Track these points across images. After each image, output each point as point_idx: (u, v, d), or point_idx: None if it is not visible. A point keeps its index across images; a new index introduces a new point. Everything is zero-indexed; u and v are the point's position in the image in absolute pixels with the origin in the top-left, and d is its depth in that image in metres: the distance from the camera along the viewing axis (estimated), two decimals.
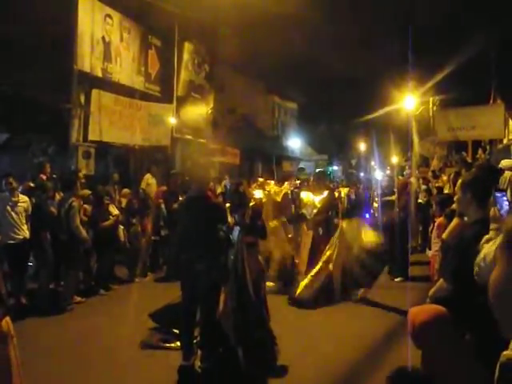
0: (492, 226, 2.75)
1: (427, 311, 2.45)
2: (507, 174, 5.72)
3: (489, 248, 2.57)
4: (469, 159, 15.81)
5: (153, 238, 10.24)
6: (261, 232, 5.65)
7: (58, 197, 8.73)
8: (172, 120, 15.84)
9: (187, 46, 16.57)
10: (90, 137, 12.66)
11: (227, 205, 6.20)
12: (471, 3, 17.56)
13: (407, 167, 20.02)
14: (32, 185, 9.61)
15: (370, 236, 7.97)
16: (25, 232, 7.81)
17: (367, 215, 14.51)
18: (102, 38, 13.11)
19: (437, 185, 12.93)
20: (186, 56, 16.45)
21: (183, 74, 16.48)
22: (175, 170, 12.77)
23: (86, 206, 8.98)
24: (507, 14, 14.70)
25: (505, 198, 2.75)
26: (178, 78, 16.19)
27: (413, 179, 12.25)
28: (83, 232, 8.02)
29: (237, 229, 5.52)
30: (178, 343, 5.42)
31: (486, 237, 2.70)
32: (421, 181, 14.04)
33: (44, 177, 10.62)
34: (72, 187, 8.20)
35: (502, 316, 1.13)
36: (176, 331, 5.69)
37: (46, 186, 8.68)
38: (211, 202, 5.08)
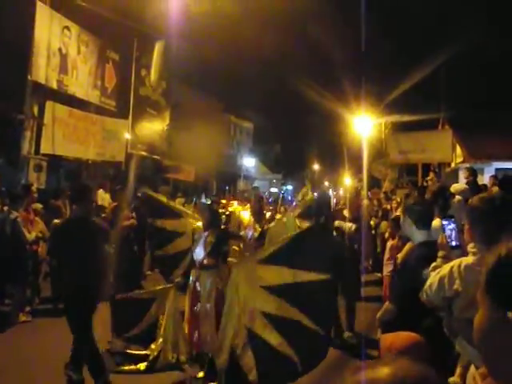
0: (439, 253, 2.84)
1: (403, 338, 2.51)
2: (457, 198, 5.93)
3: (434, 277, 2.67)
4: (419, 182, 16.30)
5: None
6: (224, 256, 5.56)
7: (4, 211, 8.47)
8: (127, 135, 15.69)
9: (145, 62, 16.51)
10: (43, 149, 12.37)
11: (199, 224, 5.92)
12: (422, 27, 18.24)
13: (359, 188, 20.41)
14: None
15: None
16: None
17: None
18: (58, 50, 12.92)
19: (385, 207, 13.22)
20: (143, 72, 16.39)
21: (140, 89, 16.40)
22: (120, 186, 12.66)
23: (37, 219, 8.75)
24: (455, 38, 15.35)
25: (452, 226, 2.83)
26: (134, 93, 16.09)
27: (365, 201, 12.48)
28: (33, 245, 7.81)
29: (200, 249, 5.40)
30: (133, 366, 5.30)
31: (433, 264, 2.79)
32: (374, 202, 14.35)
33: None
34: (18, 201, 7.96)
35: (488, 361, 1.16)
36: (134, 352, 5.50)
37: None
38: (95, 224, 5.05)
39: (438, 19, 16.81)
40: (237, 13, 15.19)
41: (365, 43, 15.26)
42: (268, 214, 8.52)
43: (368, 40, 15.99)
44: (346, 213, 7.80)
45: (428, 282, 2.71)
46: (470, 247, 2.63)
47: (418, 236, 3.53)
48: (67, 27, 13.26)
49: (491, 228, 2.44)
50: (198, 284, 5.30)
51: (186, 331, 5.30)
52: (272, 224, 7.17)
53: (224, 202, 11.30)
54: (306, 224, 6.39)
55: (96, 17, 13.61)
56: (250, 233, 7.38)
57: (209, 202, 6.19)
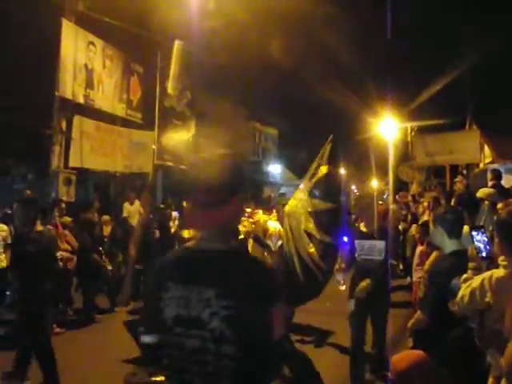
0: (470, 265, 2.82)
1: (407, 359, 2.49)
2: (486, 203, 5.85)
3: (465, 289, 2.65)
4: (447, 184, 16.10)
5: (137, 266, 10.14)
6: None
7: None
8: (153, 147, 15.86)
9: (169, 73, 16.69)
10: (71, 163, 12.61)
11: None
12: (447, 28, 18.05)
13: (386, 191, 20.24)
14: (9, 212, 9.52)
15: None
16: (2, 261, 7.71)
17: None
18: (84, 65, 13.16)
19: (415, 210, 13.10)
20: (167, 83, 16.55)
21: (165, 101, 16.58)
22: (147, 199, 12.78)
23: (66, 232, 8.93)
24: (482, 39, 15.15)
25: (481, 236, 2.80)
26: (159, 105, 16.27)
27: (393, 206, 12.39)
28: (59, 263, 7.95)
29: None
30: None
31: (464, 276, 2.77)
32: (402, 206, 14.23)
33: None
34: (46, 215, 8.13)
35: None
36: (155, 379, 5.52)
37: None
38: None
39: (464, 20, 16.59)
40: (259, 19, 15.28)
41: (390, 47, 15.16)
42: None
43: (393, 44, 15.89)
44: (362, 227, 6.04)
45: (460, 294, 2.68)
46: (501, 260, 2.61)
47: (449, 245, 3.51)
48: (92, 42, 13.51)
49: None
50: None
51: None
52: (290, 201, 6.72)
53: (249, 210, 11.26)
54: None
55: (119, 31, 13.84)
56: (275, 241, 7.26)
57: None
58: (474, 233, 2.83)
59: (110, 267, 9.53)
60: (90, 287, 8.91)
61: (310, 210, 5.71)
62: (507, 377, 1.13)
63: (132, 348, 5.92)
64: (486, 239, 2.77)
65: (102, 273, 9.14)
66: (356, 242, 5.71)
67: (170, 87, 15.57)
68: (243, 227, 6.92)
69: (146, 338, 1.94)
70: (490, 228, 5.78)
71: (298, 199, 6.02)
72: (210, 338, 1.75)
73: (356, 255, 5.63)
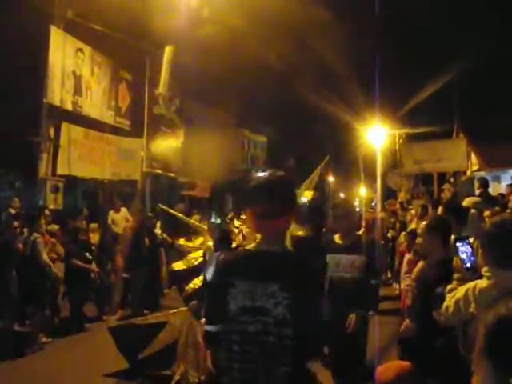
0: (454, 276, 2.84)
1: (392, 369, 2.51)
2: (472, 211, 5.89)
3: (449, 300, 2.67)
4: (435, 191, 16.21)
5: (124, 275, 10.09)
6: None
7: (25, 233, 8.59)
8: (142, 154, 15.82)
9: (158, 81, 16.68)
10: (59, 171, 12.53)
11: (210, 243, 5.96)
12: (435, 36, 18.22)
13: (375, 199, 20.33)
14: None
15: None
16: None
17: None
18: (72, 72, 13.10)
19: (403, 218, 13.16)
20: (156, 90, 16.53)
21: (154, 108, 16.56)
22: (137, 207, 12.76)
23: (53, 240, 8.86)
24: (469, 48, 15.31)
25: (466, 247, 2.81)
26: (148, 112, 16.25)
27: (381, 214, 12.43)
28: (53, 267, 7.90)
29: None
30: None
31: (449, 287, 2.79)
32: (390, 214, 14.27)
33: (13, 211, 10.46)
34: (33, 223, 8.09)
35: None
36: (157, 373, 5.50)
37: (11, 222, 8.56)
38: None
39: (451, 29, 16.77)
40: (248, 27, 15.32)
41: (378, 56, 15.27)
42: None
43: (381, 52, 16.01)
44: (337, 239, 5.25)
45: (444, 305, 2.70)
46: (484, 271, 2.63)
47: (439, 255, 3.55)
48: (80, 49, 13.47)
49: (504, 252, 2.44)
50: None
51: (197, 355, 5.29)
52: None
53: (244, 217, 11.25)
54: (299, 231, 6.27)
55: (108, 38, 13.82)
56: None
57: (218, 222, 6.10)
58: (458, 244, 2.84)
59: (96, 275, 9.43)
60: (77, 295, 8.84)
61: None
62: None
63: (118, 359, 5.91)
64: (470, 250, 2.79)
65: (88, 281, 9.07)
66: (329, 256, 4.96)
67: (161, 89, 15.61)
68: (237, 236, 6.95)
69: (209, 328, 2.35)
70: (475, 236, 5.82)
71: None
72: (272, 323, 2.16)
73: (328, 272, 4.85)
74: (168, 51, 15.06)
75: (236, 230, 8.16)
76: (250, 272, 2.26)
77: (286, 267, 2.27)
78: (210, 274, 5.36)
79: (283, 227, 2.38)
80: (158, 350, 5.47)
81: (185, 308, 5.55)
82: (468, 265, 2.77)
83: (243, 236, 8.06)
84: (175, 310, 5.82)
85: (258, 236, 2.32)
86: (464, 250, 2.80)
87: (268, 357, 2.19)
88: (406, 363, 2.54)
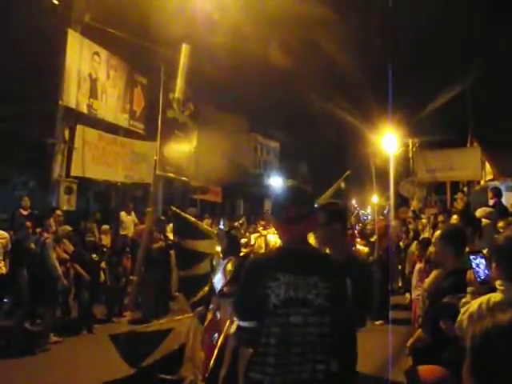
0: (468, 289, 2.82)
1: (436, 373, 2.49)
2: (485, 221, 5.85)
3: (462, 314, 2.65)
4: (448, 200, 16.10)
5: (131, 277, 10.09)
6: None
7: (37, 233, 8.65)
8: (155, 158, 15.85)
9: (172, 85, 16.75)
10: (73, 172, 12.62)
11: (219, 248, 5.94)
12: (448, 44, 18.16)
13: (387, 207, 20.23)
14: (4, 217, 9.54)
15: None
16: (1, 268, 7.72)
17: None
18: (88, 75, 13.21)
19: (415, 227, 13.08)
20: (171, 95, 16.60)
21: (168, 112, 16.62)
22: (150, 208, 12.76)
23: (65, 241, 8.92)
24: (482, 55, 15.24)
25: (479, 260, 2.79)
26: (162, 116, 16.31)
27: (394, 222, 12.36)
28: (58, 270, 7.93)
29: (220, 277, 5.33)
30: None
31: (463, 300, 2.76)
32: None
33: (24, 212, 10.55)
34: (42, 223, 8.14)
35: None
36: (167, 377, 5.47)
37: (25, 221, 8.63)
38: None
39: (466, 37, 16.69)
40: (263, 33, 15.37)
41: (391, 64, 15.24)
42: None
43: (395, 60, 15.99)
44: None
45: (458, 319, 2.68)
46: (498, 284, 2.60)
47: (453, 264, 3.51)
48: (97, 53, 13.58)
49: None
50: (218, 313, 5.22)
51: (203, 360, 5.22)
52: None
53: (263, 223, 11.21)
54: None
55: (124, 42, 13.92)
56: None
57: (227, 229, 6.02)
58: (471, 256, 2.82)
59: (102, 277, 9.47)
60: (85, 296, 8.86)
61: None
62: None
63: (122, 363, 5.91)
64: (484, 263, 2.77)
65: (96, 283, 9.08)
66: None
67: (178, 88, 15.66)
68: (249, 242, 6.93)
69: (245, 323, 2.45)
70: (489, 247, 5.77)
71: None
72: (312, 314, 2.33)
73: None
74: (185, 49, 15.12)
75: (247, 237, 8.13)
76: (292, 265, 2.39)
77: (322, 261, 2.55)
78: (217, 280, 5.33)
79: (308, 230, 2.62)
80: (164, 356, 5.44)
81: (190, 314, 5.52)
82: (482, 278, 2.75)
83: (265, 241, 8.02)
84: (180, 317, 5.80)
85: (270, 241, 2.42)
86: (478, 263, 2.78)
87: (307, 348, 2.33)
88: (440, 368, 2.53)
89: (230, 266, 5.29)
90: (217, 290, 5.30)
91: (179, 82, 15.53)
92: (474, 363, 0.98)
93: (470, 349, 0.99)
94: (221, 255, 5.61)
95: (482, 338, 0.97)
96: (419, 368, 2.63)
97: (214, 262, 5.61)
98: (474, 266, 2.78)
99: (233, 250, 5.51)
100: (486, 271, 2.75)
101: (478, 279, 2.76)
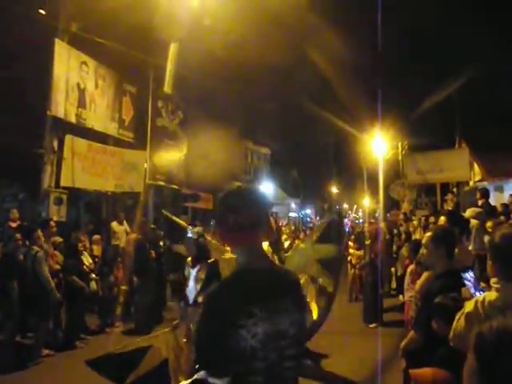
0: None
1: (433, 375, 2.49)
2: (473, 222, 5.90)
3: (459, 317, 2.66)
4: (438, 202, 16.21)
5: (122, 287, 10.02)
6: None
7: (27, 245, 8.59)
8: (145, 166, 15.85)
9: (161, 93, 16.77)
10: (62, 183, 12.56)
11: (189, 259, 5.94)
12: (436, 48, 18.32)
13: (378, 210, 20.31)
14: None
15: None
16: None
17: None
18: (77, 85, 13.19)
19: (407, 229, 13.15)
20: (160, 103, 16.63)
21: (157, 120, 16.63)
22: (143, 218, 12.71)
23: (56, 252, 8.86)
24: (470, 59, 15.37)
25: (470, 276, 2.83)
26: (151, 124, 16.31)
27: (382, 224, 12.42)
28: (52, 284, 7.84)
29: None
30: None
31: (458, 316, 2.76)
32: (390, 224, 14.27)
33: (13, 224, 10.47)
34: (31, 236, 8.04)
35: None
36: None
37: (14, 233, 8.56)
38: None
39: (454, 41, 16.85)
40: (253, 39, 15.42)
41: (381, 67, 15.36)
42: (287, 243, 8.50)
43: (384, 64, 16.12)
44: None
45: (453, 326, 2.68)
46: (493, 282, 2.62)
47: (444, 266, 3.53)
48: (85, 62, 13.56)
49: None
50: (192, 325, 5.11)
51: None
52: (289, 253, 7.13)
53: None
54: (326, 247, 6.39)
55: (112, 51, 13.92)
56: None
57: (195, 237, 5.94)
58: (463, 274, 2.86)
59: (95, 287, 9.40)
60: (73, 308, 8.77)
61: (316, 257, 5.92)
62: None
63: None
64: (473, 278, 2.81)
65: (84, 294, 8.96)
66: None
67: (166, 86, 15.68)
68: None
69: (215, 381, 1.84)
70: (478, 247, 5.82)
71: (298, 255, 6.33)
72: (289, 346, 1.93)
73: None
74: (173, 48, 15.14)
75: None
76: (264, 292, 1.94)
77: (289, 280, 2.10)
78: (190, 289, 5.21)
79: (262, 240, 2.09)
80: (147, 372, 5.36)
81: (167, 329, 5.43)
82: (476, 293, 2.78)
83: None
84: (157, 333, 5.71)
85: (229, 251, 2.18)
86: (468, 280, 2.82)
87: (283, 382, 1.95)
88: (441, 371, 2.53)
89: (200, 274, 5.24)
90: (190, 301, 5.21)
91: (167, 82, 15.60)
92: (481, 363, 0.94)
93: (477, 348, 0.96)
94: (190, 264, 5.55)
95: (491, 338, 0.94)
96: (422, 371, 2.64)
97: (186, 272, 5.53)
98: (466, 283, 2.82)
99: (202, 258, 5.44)
100: (478, 287, 2.78)
101: (473, 295, 2.78)
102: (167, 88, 15.46)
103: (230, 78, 18.80)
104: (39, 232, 8.18)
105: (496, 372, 0.91)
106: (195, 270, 5.32)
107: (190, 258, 5.60)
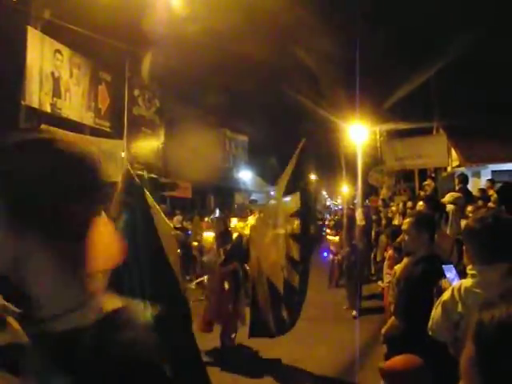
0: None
1: (403, 363, 2.49)
2: (450, 207, 5.95)
3: (436, 308, 2.68)
4: (416, 188, 16.35)
5: None
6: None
7: None
8: (122, 155, 15.68)
9: (137, 81, 16.57)
10: None
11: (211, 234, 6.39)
12: (412, 33, 18.38)
13: (356, 196, 20.44)
14: None
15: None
16: None
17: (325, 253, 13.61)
18: (51, 74, 12.95)
19: (388, 215, 13.25)
20: (136, 91, 16.44)
21: (134, 109, 16.45)
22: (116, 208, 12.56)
23: None
24: (446, 44, 15.44)
25: (453, 271, 2.84)
26: (128, 113, 16.12)
27: (359, 210, 12.48)
28: None
29: None
30: None
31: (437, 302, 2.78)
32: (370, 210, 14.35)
33: None
34: None
35: None
36: None
37: None
38: None
39: (430, 26, 16.91)
40: (229, 27, 15.28)
41: (359, 53, 15.36)
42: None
43: (361, 50, 16.11)
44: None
45: (431, 315, 2.70)
46: (469, 269, 2.63)
47: (426, 250, 3.55)
48: (59, 51, 13.30)
49: (487, 248, 2.44)
50: None
51: None
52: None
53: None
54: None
55: (87, 39, 13.67)
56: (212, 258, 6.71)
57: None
58: (444, 267, 2.87)
59: None
60: None
61: (295, 231, 5.77)
62: None
63: None
64: (455, 270, 2.82)
65: None
66: None
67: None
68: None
69: None
70: (455, 231, 5.88)
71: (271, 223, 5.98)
72: None
73: None
74: (147, 58, 15.03)
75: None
76: None
77: None
78: None
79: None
80: None
81: None
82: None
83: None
84: None
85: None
86: (450, 272, 2.82)
87: None
88: (415, 357, 2.53)
89: None
90: None
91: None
92: (480, 355, 0.90)
93: (476, 338, 0.91)
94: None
95: (494, 328, 0.89)
96: (392, 360, 2.64)
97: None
98: (447, 275, 2.82)
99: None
100: (458, 280, 2.79)
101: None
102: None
103: (207, 64, 18.62)
104: None
105: (498, 365, 0.87)
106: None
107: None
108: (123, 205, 3.29)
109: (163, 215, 3.87)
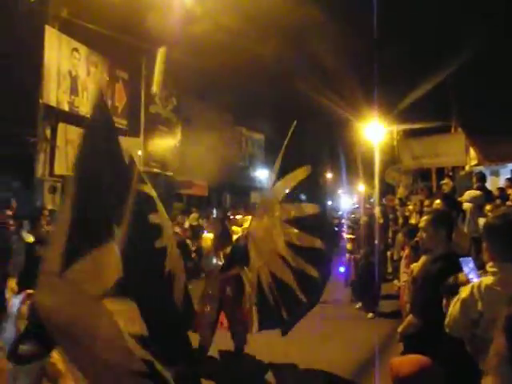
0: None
1: (410, 363, 2.45)
2: (467, 205, 5.88)
3: (454, 304, 2.62)
4: (433, 187, 16.19)
5: None
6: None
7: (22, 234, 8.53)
8: (139, 153, 15.75)
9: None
10: (56, 171, 12.48)
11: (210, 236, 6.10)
12: (433, 32, 18.21)
13: (374, 195, 20.30)
14: None
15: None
16: None
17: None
18: (68, 72, 13.06)
19: (402, 214, 13.12)
20: (153, 89, 16.49)
21: (150, 107, 16.51)
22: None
23: None
24: (466, 42, 15.26)
25: (469, 262, 2.78)
26: (144, 111, 16.20)
27: (377, 208, 12.36)
28: None
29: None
30: None
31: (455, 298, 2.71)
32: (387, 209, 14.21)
33: (10, 212, 10.39)
34: (34, 224, 8.00)
35: None
36: None
37: (8, 221, 8.51)
38: None
39: (450, 25, 16.74)
40: (244, 25, 15.27)
41: (376, 53, 15.25)
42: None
43: (379, 49, 16.01)
44: None
45: (449, 312, 2.64)
46: (489, 266, 2.57)
47: (443, 248, 3.50)
48: (76, 49, 13.41)
49: (508, 244, 2.39)
50: None
51: None
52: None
53: (240, 218, 11.13)
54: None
55: (104, 37, 13.75)
56: (214, 261, 6.35)
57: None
58: (461, 259, 2.81)
59: None
60: None
61: (290, 216, 5.52)
62: None
63: None
64: (473, 265, 2.75)
65: None
66: None
67: (155, 89, 15.56)
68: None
69: None
70: (472, 230, 5.80)
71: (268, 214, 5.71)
72: None
73: None
74: (161, 52, 15.03)
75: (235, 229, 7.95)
76: None
77: None
78: None
79: None
80: None
81: None
82: (474, 280, 2.73)
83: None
84: None
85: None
86: (468, 266, 2.76)
87: None
88: (424, 357, 2.48)
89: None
90: None
91: (155, 85, 15.46)
92: None
93: (509, 333, 0.90)
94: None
95: None
96: (392, 362, 2.59)
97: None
98: (464, 268, 2.77)
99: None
100: (477, 273, 2.73)
101: (471, 281, 2.74)
102: (156, 89, 15.30)
103: (224, 63, 18.64)
104: (42, 220, 8.16)
105: None
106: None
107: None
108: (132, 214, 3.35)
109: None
